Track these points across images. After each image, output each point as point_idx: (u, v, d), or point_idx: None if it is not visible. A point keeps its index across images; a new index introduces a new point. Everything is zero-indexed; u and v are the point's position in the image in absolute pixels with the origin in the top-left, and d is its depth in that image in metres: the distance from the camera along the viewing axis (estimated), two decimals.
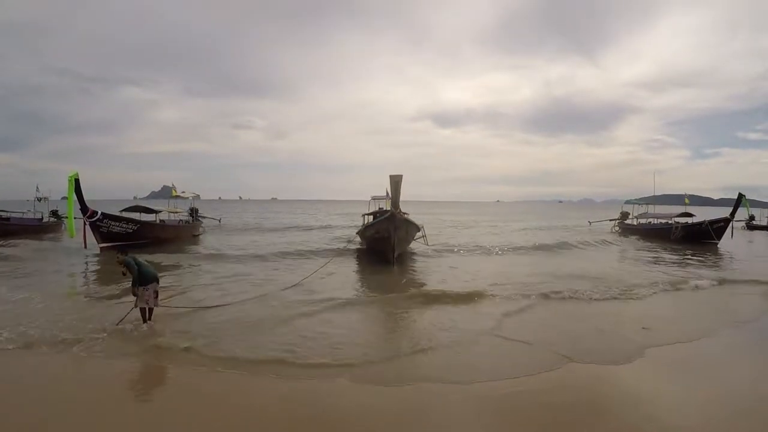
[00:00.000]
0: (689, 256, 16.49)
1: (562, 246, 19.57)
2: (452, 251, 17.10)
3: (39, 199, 25.68)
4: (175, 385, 4.97)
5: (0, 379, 4.97)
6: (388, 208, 13.69)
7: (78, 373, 5.19)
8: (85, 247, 14.69)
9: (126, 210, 19.38)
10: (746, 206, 26.94)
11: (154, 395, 4.76)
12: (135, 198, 54.79)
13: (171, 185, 25.50)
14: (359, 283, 11.15)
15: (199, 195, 33.74)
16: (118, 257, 6.77)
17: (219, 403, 4.40)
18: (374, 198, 20.76)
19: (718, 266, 14.49)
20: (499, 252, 17.39)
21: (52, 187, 27.41)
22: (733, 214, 21.14)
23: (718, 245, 20.28)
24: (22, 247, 16.69)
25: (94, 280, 11.71)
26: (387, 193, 15.60)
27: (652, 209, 28.64)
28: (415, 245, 16.47)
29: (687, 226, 22.17)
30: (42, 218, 24.67)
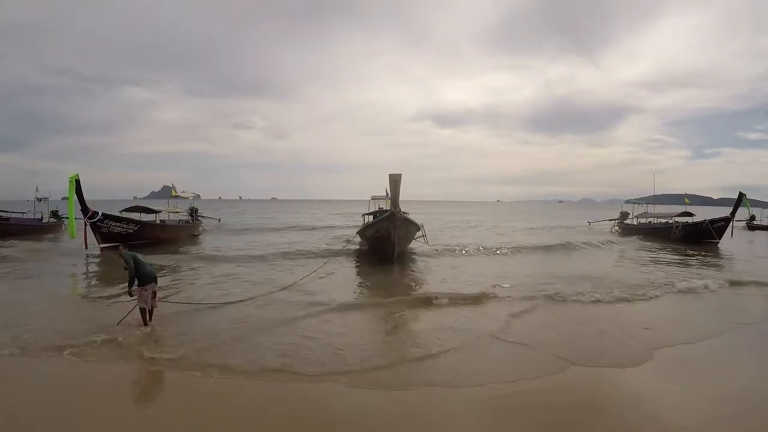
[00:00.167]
0: (690, 256, 16.46)
1: (562, 246, 19.52)
2: (453, 251, 17.05)
3: (39, 200, 25.68)
4: (171, 389, 4.93)
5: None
6: (388, 208, 13.69)
7: (72, 376, 5.15)
8: (86, 247, 14.72)
9: (126, 210, 19.42)
10: (747, 206, 26.90)
11: (151, 399, 4.75)
12: (135, 198, 54.90)
13: (171, 185, 25.50)
14: (359, 284, 11.13)
15: (199, 195, 33.78)
16: (120, 250, 6.87)
17: (218, 406, 4.38)
18: (374, 198, 20.77)
19: (719, 266, 14.46)
20: (499, 252, 17.34)
21: (52, 187, 27.45)
22: (733, 213, 21.08)
23: (719, 245, 20.26)
24: (22, 247, 16.67)
25: (95, 280, 11.70)
26: (387, 192, 15.59)
27: (652, 209, 28.59)
28: (415, 245, 16.46)
29: (687, 226, 22.12)
30: (42, 218, 24.68)
